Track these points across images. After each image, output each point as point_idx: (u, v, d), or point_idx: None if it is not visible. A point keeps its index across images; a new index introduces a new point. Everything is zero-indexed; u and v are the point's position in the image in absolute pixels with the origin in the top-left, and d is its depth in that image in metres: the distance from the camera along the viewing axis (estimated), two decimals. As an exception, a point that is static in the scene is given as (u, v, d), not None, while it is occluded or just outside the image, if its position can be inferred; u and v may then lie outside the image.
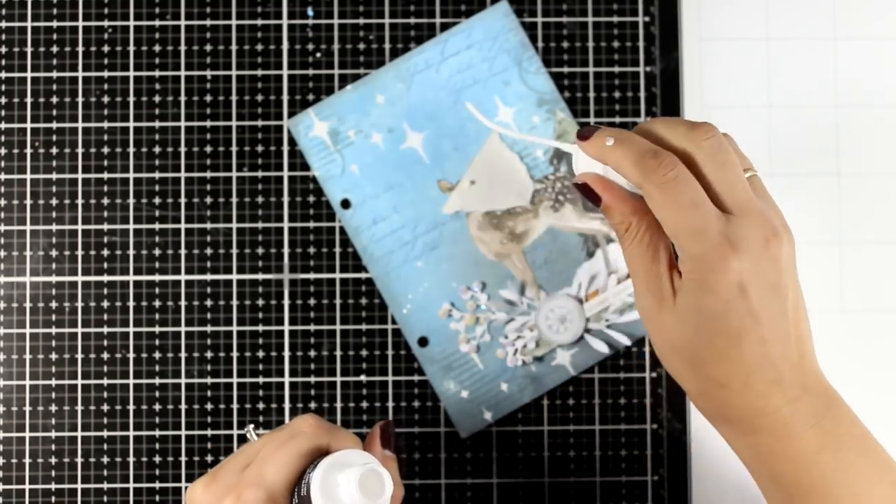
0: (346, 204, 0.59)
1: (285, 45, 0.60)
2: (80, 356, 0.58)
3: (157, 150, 0.59)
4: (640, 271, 0.40)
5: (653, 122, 0.41)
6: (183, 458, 0.58)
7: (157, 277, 0.58)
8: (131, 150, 0.59)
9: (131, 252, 0.59)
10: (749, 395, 0.38)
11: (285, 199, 0.59)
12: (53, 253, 0.59)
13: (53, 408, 0.58)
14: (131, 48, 0.59)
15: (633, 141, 0.40)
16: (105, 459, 0.58)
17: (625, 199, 0.41)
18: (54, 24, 0.59)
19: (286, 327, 0.58)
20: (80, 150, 0.59)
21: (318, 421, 0.48)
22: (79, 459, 0.58)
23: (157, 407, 0.58)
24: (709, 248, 0.37)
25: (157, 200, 0.59)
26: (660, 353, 0.41)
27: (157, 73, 0.59)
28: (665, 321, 0.39)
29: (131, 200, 0.59)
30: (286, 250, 0.59)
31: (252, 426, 0.50)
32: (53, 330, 0.58)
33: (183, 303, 0.58)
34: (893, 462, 0.40)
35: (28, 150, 0.59)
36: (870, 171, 0.60)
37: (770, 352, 0.38)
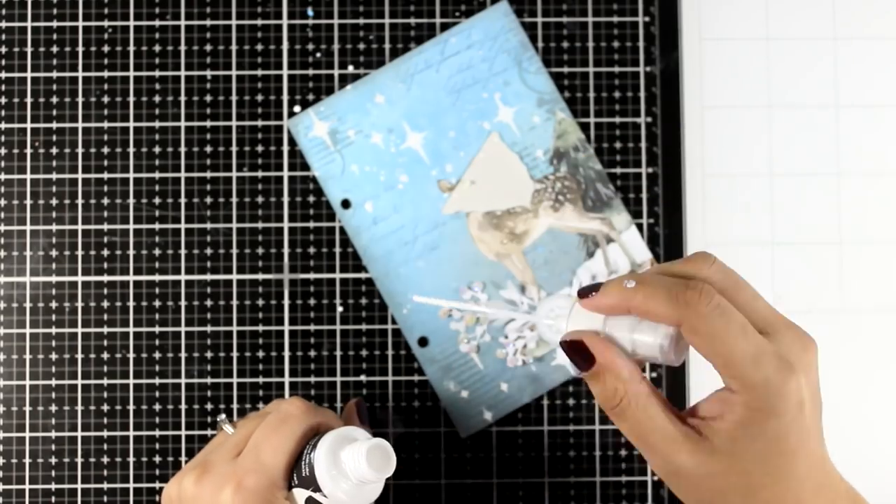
0: (346, 204, 0.59)
1: (285, 45, 0.60)
2: (80, 356, 0.58)
3: (157, 150, 0.59)
4: (654, 433, 0.38)
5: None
6: (183, 459, 0.58)
7: (157, 277, 0.58)
8: (131, 150, 0.59)
9: (131, 252, 0.59)
10: None
11: (285, 199, 0.59)
12: (53, 253, 0.59)
13: (53, 408, 0.58)
14: (131, 48, 0.59)
15: (657, 278, 0.38)
16: (105, 459, 0.58)
17: (624, 361, 0.38)
18: (54, 24, 0.59)
19: (286, 327, 0.58)
20: (80, 150, 0.59)
21: (304, 402, 0.48)
22: (79, 459, 0.58)
23: (157, 407, 0.58)
24: (770, 371, 0.36)
25: (157, 200, 0.59)
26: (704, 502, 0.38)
27: (157, 73, 0.59)
28: (708, 469, 0.37)
29: (131, 200, 0.59)
30: (286, 250, 0.59)
31: (224, 415, 0.50)
32: (53, 330, 0.58)
33: (183, 303, 0.58)
34: None
35: (28, 150, 0.59)
36: (870, 171, 0.60)
37: (816, 462, 0.38)
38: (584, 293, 0.39)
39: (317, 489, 0.44)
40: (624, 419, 0.38)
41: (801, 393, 0.37)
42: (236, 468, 0.45)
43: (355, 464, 0.44)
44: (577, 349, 0.39)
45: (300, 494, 0.45)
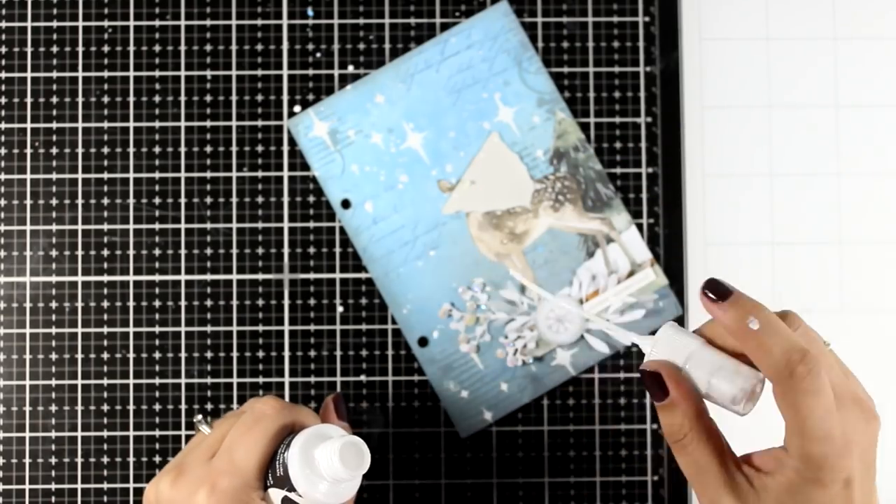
0: (346, 204, 0.59)
1: (285, 45, 0.60)
2: (80, 356, 0.58)
3: (157, 150, 0.59)
4: (709, 473, 0.39)
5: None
6: (183, 458, 0.58)
7: (157, 277, 0.58)
8: (131, 150, 0.59)
9: (131, 252, 0.59)
10: None
11: (285, 199, 0.59)
12: (53, 253, 0.59)
13: (53, 408, 0.58)
14: (131, 48, 0.59)
15: (780, 333, 0.38)
16: (105, 459, 0.58)
17: (695, 400, 0.40)
18: (54, 24, 0.59)
19: (286, 327, 0.58)
20: (80, 150, 0.59)
21: (278, 401, 0.48)
22: (79, 459, 0.58)
23: (157, 407, 0.58)
24: (831, 451, 0.37)
25: (157, 200, 0.59)
26: None
27: (157, 73, 0.59)
28: None
29: (131, 200, 0.59)
30: (286, 250, 0.59)
31: (201, 416, 0.49)
32: (53, 330, 0.58)
33: (183, 303, 0.58)
34: None
35: (28, 150, 0.59)
36: (870, 171, 0.60)
37: None
38: (713, 289, 0.39)
39: (291, 489, 0.44)
40: (683, 454, 0.40)
41: (852, 471, 0.38)
42: (210, 470, 0.45)
43: (329, 462, 0.43)
44: (654, 379, 0.40)
45: (276, 494, 0.45)
